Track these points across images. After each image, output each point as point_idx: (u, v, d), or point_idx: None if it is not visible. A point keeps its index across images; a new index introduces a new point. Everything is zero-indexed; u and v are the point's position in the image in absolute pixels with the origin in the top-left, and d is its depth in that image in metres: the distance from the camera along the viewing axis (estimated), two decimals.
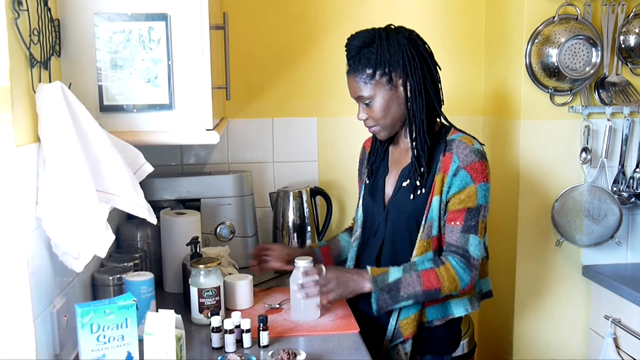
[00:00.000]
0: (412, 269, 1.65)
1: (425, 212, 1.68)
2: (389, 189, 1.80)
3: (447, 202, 1.67)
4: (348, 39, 1.72)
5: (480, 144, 1.71)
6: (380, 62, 1.67)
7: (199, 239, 1.90)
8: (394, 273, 1.65)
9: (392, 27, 1.71)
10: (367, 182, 1.87)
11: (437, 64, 1.73)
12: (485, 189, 1.66)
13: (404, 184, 1.74)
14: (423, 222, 1.69)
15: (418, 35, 1.73)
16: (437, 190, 1.67)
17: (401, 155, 1.81)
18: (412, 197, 1.71)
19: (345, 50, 1.73)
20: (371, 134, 1.85)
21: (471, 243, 1.65)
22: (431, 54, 1.73)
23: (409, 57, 1.67)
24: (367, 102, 1.71)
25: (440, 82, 1.74)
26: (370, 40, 1.68)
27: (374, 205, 1.80)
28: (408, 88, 1.68)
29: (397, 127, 1.75)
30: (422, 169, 1.70)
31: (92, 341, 1.33)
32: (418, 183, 1.70)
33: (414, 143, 1.71)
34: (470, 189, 1.64)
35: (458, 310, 1.72)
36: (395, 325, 1.71)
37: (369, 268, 1.66)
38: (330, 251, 1.97)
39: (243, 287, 1.82)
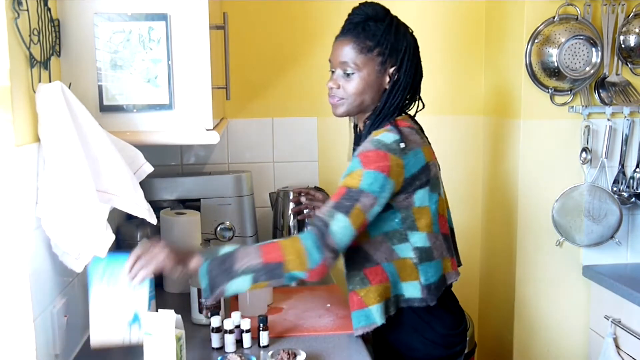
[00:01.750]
0: (247, 245, 1.50)
1: None
2: None
3: None
4: (360, 4, 1.62)
5: (401, 140, 1.53)
6: (384, 41, 1.58)
7: (210, 242, 1.90)
8: (226, 249, 1.46)
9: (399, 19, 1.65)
10: None
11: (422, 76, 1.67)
12: (374, 176, 1.47)
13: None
14: None
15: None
16: None
17: None
18: None
19: (350, 14, 1.63)
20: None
21: (336, 221, 1.44)
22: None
23: (409, 52, 1.61)
24: (349, 71, 1.59)
25: (419, 91, 1.67)
26: (382, 17, 1.60)
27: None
28: (396, 79, 1.59)
29: (360, 110, 1.64)
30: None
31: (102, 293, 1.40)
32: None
33: (365, 131, 1.62)
34: (358, 172, 1.49)
35: (379, 317, 1.56)
36: None
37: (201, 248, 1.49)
38: None
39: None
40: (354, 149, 1.75)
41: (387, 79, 1.61)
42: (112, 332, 1.41)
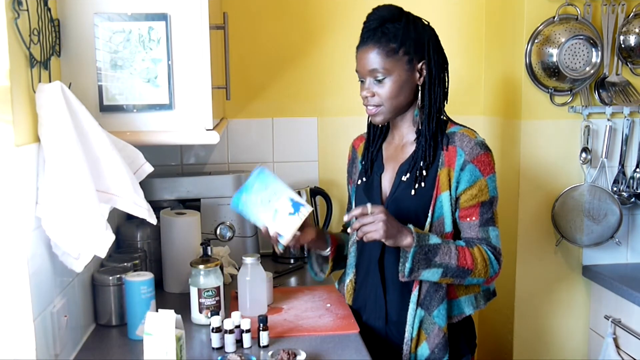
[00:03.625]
0: (449, 242, 1.59)
1: (431, 208, 1.62)
2: (387, 187, 1.72)
3: (457, 198, 1.62)
4: (373, 9, 1.64)
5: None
6: (406, 39, 1.60)
7: (210, 242, 1.91)
8: (434, 238, 1.58)
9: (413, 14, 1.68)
10: (363, 181, 1.78)
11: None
12: (494, 180, 1.63)
13: (404, 178, 1.67)
14: (429, 219, 1.62)
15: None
16: (444, 185, 1.61)
17: (397, 151, 1.73)
18: (412, 192, 1.64)
19: (366, 21, 1.64)
20: (358, 134, 1.82)
21: (491, 235, 1.62)
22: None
23: (432, 44, 1.63)
24: (380, 77, 1.61)
25: (449, 77, 1.70)
26: (398, 16, 1.62)
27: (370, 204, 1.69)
28: (429, 74, 1.63)
29: (398, 113, 1.67)
30: (428, 159, 1.63)
31: (262, 209, 1.62)
32: (418, 174, 1.64)
33: (425, 132, 1.64)
34: (480, 182, 1.60)
35: (468, 308, 1.67)
36: (412, 331, 1.63)
37: (411, 226, 1.58)
38: (336, 240, 1.87)
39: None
40: (372, 147, 1.78)
41: (418, 75, 1.64)
42: (289, 222, 1.61)
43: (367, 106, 1.67)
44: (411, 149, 1.70)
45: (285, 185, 1.65)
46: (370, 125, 1.79)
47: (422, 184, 1.64)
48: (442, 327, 1.61)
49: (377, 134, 1.79)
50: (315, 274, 1.90)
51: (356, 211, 1.56)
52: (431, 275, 1.57)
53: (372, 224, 1.53)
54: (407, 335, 1.63)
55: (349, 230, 1.63)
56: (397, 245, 1.57)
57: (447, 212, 1.62)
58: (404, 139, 1.73)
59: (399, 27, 1.60)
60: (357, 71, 1.68)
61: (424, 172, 1.64)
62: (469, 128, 1.68)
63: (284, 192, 1.63)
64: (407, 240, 1.55)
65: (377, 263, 1.71)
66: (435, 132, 1.65)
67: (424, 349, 1.62)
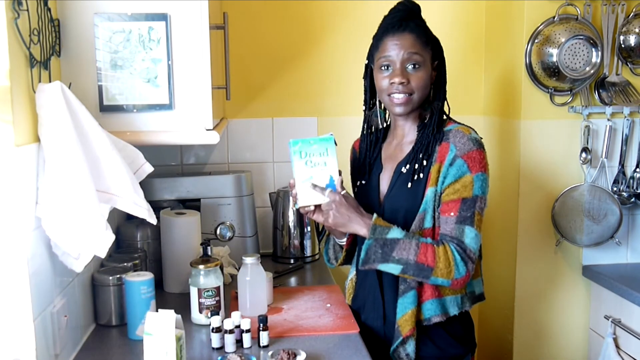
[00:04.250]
0: (413, 237, 1.57)
1: (421, 203, 1.62)
2: (384, 186, 1.71)
3: (441, 193, 1.60)
4: (398, 3, 1.67)
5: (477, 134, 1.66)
6: (431, 36, 1.66)
7: (210, 242, 1.91)
8: (395, 232, 1.56)
9: None
10: (362, 182, 1.78)
11: None
12: (482, 179, 1.58)
13: (403, 169, 1.66)
14: (418, 214, 1.62)
15: None
16: (432, 180, 1.60)
17: (395, 150, 1.73)
18: (409, 185, 1.63)
19: (394, 10, 1.66)
20: (358, 135, 1.83)
21: (467, 234, 1.56)
22: None
23: (439, 43, 1.69)
24: (417, 64, 1.61)
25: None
26: (418, 14, 1.67)
27: (368, 205, 1.69)
28: (439, 74, 1.67)
29: (417, 108, 1.67)
30: (427, 152, 1.63)
31: (302, 165, 1.62)
32: (417, 166, 1.63)
33: (426, 127, 1.65)
34: (466, 178, 1.56)
35: (453, 308, 1.63)
36: (394, 325, 1.64)
37: (375, 215, 1.59)
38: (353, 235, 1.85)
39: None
40: (370, 150, 1.78)
41: (434, 73, 1.67)
42: (312, 194, 1.62)
43: (394, 94, 1.62)
44: (409, 148, 1.70)
45: (337, 164, 1.65)
46: (368, 129, 1.78)
47: (421, 175, 1.63)
48: (436, 325, 1.62)
49: (373, 140, 1.79)
50: (328, 259, 1.90)
51: (291, 181, 1.63)
52: (390, 269, 1.57)
53: (324, 211, 1.60)
54: (396, 332, 1.63)
55: (299, 203, 1.64)
56: (350, 232, 1.63)
57: (429, 208, 1.60)
58: (404, 139, 1.73)
59: (422, 25, 1.65)
60: (382, 57, 1.63)
61: (424, 163, 1.63)
62: (466, 125, 1.67)
63: (332, 168, 1.64)
64: (362, 231, 1.59)
65: None
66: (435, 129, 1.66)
67: (410, 346, 1.62)
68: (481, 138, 1.64)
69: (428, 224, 1.61)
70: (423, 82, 1.62)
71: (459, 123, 1.69)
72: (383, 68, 1.64)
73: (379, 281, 1.71)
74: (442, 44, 1.70)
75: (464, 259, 1.55)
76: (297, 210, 1.71)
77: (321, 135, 1.67)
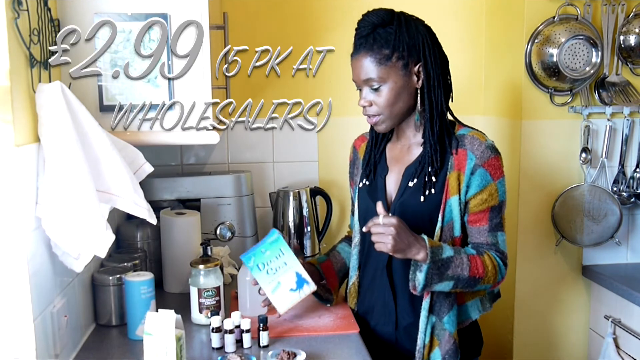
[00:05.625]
0: (461, 251, 1.56)
1: (441, 212, 1.59)
2: (392, 189, 1.67)
3: (466, 203, 1.59)
4: (363, 16, 1.60)
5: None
6: (399, 44, 1.55)
7: (210, 242, 1.91)
8: (447, 250, 1.53)
9: (406, 14, 1.62)
10: (365, 183, 1.74)
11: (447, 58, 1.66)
12: (503, 184, 1.61)
13: (411, 183, 1.62)
14: (440, 224, 1.59)
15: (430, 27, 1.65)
16: (453, 189, 1.58)
17: (402, 152, 1.70)
18: (422, 198, 1.60)
19: (357, 28, 1.60)
20: (359, 135, 1.81)
21: (500, 240, 1.61)
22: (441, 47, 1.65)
23: (428, 45, 1.57)
24: (376, 86, 1.57)
25: (450, 76, 1.66)
26: (389, 20, 1.56)
27: (373, 207, 1.60)
28: (426, 77, 1.58)
29: (400, 119, 1.63)
30: (436, 164, 1.59)
31: (265, 276, 1.65)
32: (427, 179, 1.60)
33: (429, 136, 1.60)
34: (491, 187, 1.57)
35: (474, 312, 1.66)
36: (424, 338, 1.60)
37: (424, 237, 1.53)
38: (332, 265, 1.85)
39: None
40: (375, 149, 1.75)
41: (416, 78, 1.59)
42: (288, 297, 1.65)
43: (366, 115, 1.64)
44: (417, 150, 1.66)
45: (295, 257, 1.67)
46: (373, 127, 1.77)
47: (433, 190, 1.60)
48: (452, 333, 1.59)
49: (379, 136, 1.75)
50: (325, 301, 1.84)
51: (370, 223, 1.52)
52: (443, 287, 1.55)
53: (382, 235, 1.49)
54: (419, 342, 1.60)
55: (364, 229, 1.55)
56: (406, 258, 1.53)
57: (456, 217, 1.59)
58: (410, 141, 1.69)
59: (390, 32, 1.55)
60: (353, 80, 1.64)
61: (433, 178, 1.60)
62: (478, 130, 1.65)
63: (293, 264, 1.66)
64: (420, 256, 1.51)
65: (385, 268, 1.67)
66: (441, 135, 1.61)
67: (436, 355, 1.60)
68: (493, 142, 1.63)
69: (457, 232, 1.61)
70: (387, 100, 1.58)
71: (469, 127, 1.66)
72: (357, 90, 1.65)
73: (390, 286, 1.67)
74: (441, 44, 1.65)
75: (504, 262, 1.61)
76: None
77: (266, 238, 1.69)
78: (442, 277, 1.52)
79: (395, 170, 1.70)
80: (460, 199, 1.58)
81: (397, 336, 1.68)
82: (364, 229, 1.55)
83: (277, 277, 1.65)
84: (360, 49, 1.59)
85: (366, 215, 1.67)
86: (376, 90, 1.58)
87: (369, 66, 1.57)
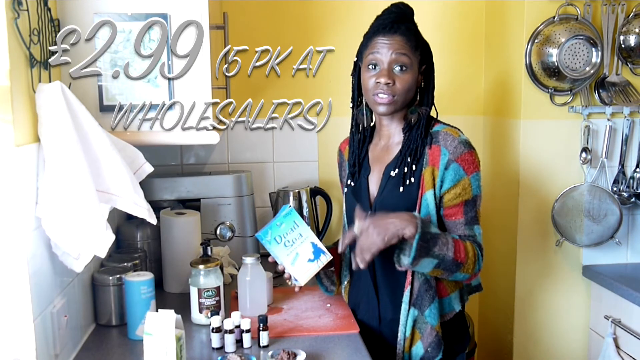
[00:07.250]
0: (446, 233, 1.59)
1: (417, 206, 1.62)
2: (374, 188, 1.72)
3: (440, 197, 1.62)
4: (392, 5, 1.67)
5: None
6: (421, 41, 1.66)
7: (210, 242, 1.91)
8: (435, 228, 1.57)
9: None
10: (350, 185, 1.78)
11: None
12: (477, 178, 1.62)
13: (392, 173, 1.66)
14: None
15: None
16: (428, 184, 1.61)
17: (382, 152, 1.74)
18: (401, 189, 1.64)
19: (388, 12, 1.65)
20: (342, 139, 1.84)
21: (477, 233, 1.63)
22: None
23: (429, 48, 1.69)
24: (404, 66, 1.61)
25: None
26: (412, 16, 1.67)
27: (359, 207, 1.65)
28: (426, 79, 1.69)
29: (400, 109, 1.67)
30: (416, 156, 1.63)
31: (283, 249, 1.65)
32: (407, 170, 1.63)
33: (413, 130, 1.65)
34: (464, 181, 1.59)
35: (457, 304, 1.68)
36: (405, 331, 1.63)
37: (415, 213, 1.57)
38: (337, 254, 1.82)
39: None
40: (358, 150, 1.77)
41: (420, 78, 1.67)
42: (307, 268, 1.66)
43: (379, 94, 1.63)
44: (397, 149, 1.70)
45: (309, 229, 1.69)
46: (356, 127, 1.78)
47: (412, 180, 1.63)
48: (434, 326, 1.61)
49: (361, 139, 1.78)
50: (326, 289, 1.89)
51: (346, 241, 1.58)
52: (427, 264, 1.54)
53: (366, 239, 1.52)
54: (400, 335, 1.63)
55: (343, 246, 1.62)
56: (401, 236, 1.52)
57: (432, 211, 1.62)
58: (390, 140, 1.73)
59: (412, 28, 1.64)
60: (374, 59, 1.64)
61: (413, 167, 1.64)
62: (452, 126, 1.68)
63: (309, 236, 1.67)
64: (409, 229, 1.51)
65: (370, 265, 1.67)
66: (426, 130, 1.67)
67: (418, 348, 1.62)
68: (467, 138, 1.65)
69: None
70: (408, 85, 1.63)
71: (444, 124, 1.69)
72: (370, 67, 1.65)
73: (373, 282, 1.71)
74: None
75: (482, 254, 1.62)
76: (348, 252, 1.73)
77: (280, 212, 1.69)
78: (429, 252, 1.52)
79: (376, 169, 1.74)
80: (435, 193, 1.62)
81: (381, 330, 1.71)
82: (340, 250, 1.63)
83: (295, 249, 1.66)
84: (397, 31, 1.63)
85: (352, 214, 1.69)
86: (402, 71, 1.62)
87: (405, 46, 1.62)
